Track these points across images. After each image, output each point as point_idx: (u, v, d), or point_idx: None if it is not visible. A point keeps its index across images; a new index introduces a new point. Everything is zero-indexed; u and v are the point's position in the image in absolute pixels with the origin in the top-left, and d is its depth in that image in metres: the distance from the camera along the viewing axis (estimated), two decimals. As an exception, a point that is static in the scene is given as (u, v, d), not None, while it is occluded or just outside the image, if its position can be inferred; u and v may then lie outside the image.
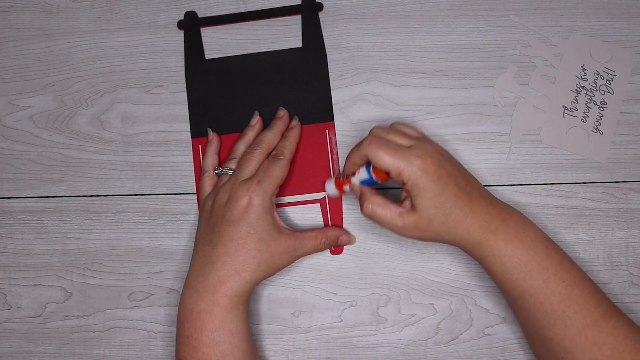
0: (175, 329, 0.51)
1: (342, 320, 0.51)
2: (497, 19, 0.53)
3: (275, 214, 0.47)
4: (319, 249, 0.48)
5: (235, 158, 0.49)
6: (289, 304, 0.51)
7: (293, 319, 0.51)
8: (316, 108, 0.52)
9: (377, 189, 0.46)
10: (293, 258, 0.46)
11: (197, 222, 0.51)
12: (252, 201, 0.45)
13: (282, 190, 0.51)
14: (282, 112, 0.51)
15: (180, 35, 0.53)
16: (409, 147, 0.43)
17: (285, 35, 0.53)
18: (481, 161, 0.52)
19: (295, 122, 0.51)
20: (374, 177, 0.44)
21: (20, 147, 0.53)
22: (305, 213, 0.52)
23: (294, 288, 0.52)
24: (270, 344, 0.51)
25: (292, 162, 0.50)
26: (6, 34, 0.54)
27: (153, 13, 0.54)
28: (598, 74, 0.52)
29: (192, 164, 0.52)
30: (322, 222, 0.52)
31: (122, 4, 0.54)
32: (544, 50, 0.52)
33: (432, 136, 0.52)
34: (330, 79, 0.53)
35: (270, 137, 0.49)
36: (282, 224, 0.47)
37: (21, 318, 0.52)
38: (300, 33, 0.53)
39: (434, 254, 0.51)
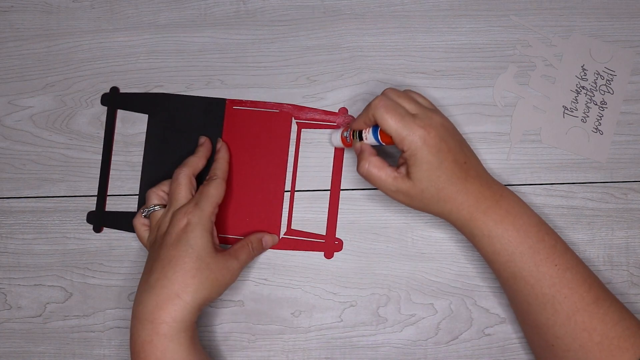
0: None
1: (342, 320, 0.51)
2: (497, 19, 0.53)
3: (215, 234, 0.46)
4: (252, 256, 0.48)
5: (155, 192, 0.48)
6: (289, 304, 0.51)
7: (293, 319, 0.51)
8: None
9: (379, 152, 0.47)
10: (233, 273, 0.46)
11: None
12: (190, 221, 0.44)
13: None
14: (202, 139, 0.51)
15: (179, 35, 0.53)
16: (415, 116, 0.42)
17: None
18: (481, 161, 0.52)
19: (220, 144, 0.51)
20: (379, 139, 0.44)
21: (20, 147, 0.53)
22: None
23: (294, 288, 0.52)
24: (270, 344, 0.51)
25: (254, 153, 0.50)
26: (6, 34, 0.54)
27: (153, 13, 0.54)
28: (598, 74, 0.52)
29: None
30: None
31: (122, 4, 0.54)
32: (544, 50, 0.52)
33: (432, 136, 0.52)
34: (329, 79, 0.53)
35: (194, 159, 0.49)
36: (218, 246, 0.47)
37: (21, 318, 0.52)
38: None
39: (434, 254, 0.51)
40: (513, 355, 0.50)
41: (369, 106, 0.44)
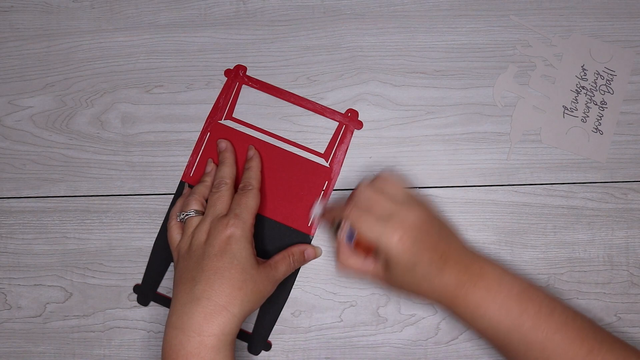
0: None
1: (342, 320, 0.51)
2: (497, 19, 0.53)
3: (254, 246, 0.46)
4: (291, 268, 0.49)
5: (196, 198, 0.48)
6: (289, 304, 0.51)
7: (293, 319, 0.51)
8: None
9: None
10: (274, 284, 0.46)
11: None
12: (233, 233, 0.44)
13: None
14: (224, 144, 0.51)
15: (179, 35, 0.53)
16: (389, 217, 0.43)
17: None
18: (481, 161, 0.52)
19: (252, 152, 0.51)
20: (352, 243, 0.46)
21: (20, 147, 0.53)
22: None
23: (294, 288, 0.52)
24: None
25: (283, 189, 0.51)
26: (6, 34, 0.54)
27: (153, 13, 0.54)
28: (598, 74, 0.52)
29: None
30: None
31: (122, 4, 0.54)
32: (544, 50, 0.52)
33: (432, 136, 0.52)
34: (329, 79, 0.53)
35: (229, 170, 0.49)
36: (256, 254, 0.47)
37: (21, 318, 0.52)
38: None
39: (434, 254, 0.51)
40: (513, 355, 0.50)
41: (342, 210, 0.45)
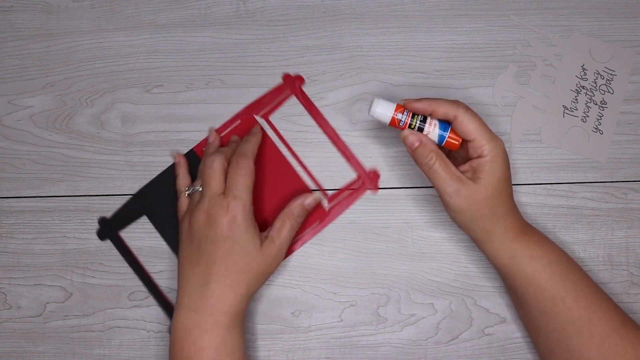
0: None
1: (342, 320, 0.51)
2: (497, 19, 0.53)
3: (255, 221, 0.46)
4: (295, 226, 0.48)
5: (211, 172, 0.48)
6: (289, 304, 0.52)
7: (293, 319, 0.51)
8: None
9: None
10: (280, 257, 0.47)
11: None
12: (235, 218, 0.44)
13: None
14: (257, 134, 0.51)
15: (179, 35, 0.53)
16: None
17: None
18: (481, 161, 0.52)
19: (257, 128, 0.51)
20: (446, 136, 0.43)
21: (20, 147, 0.53)
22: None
23: (294, 288, 0.52)
24: (270, 344, 0.51)
25: (278, 208, 0.50)
26: (6, 34, 0.54)
27: (153, 13, 0.54)
28: (598, 73, 0.52)
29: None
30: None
31: (122, 4, 0.54)
32: (544, 50, 0.52)
33: (432, 136, 0.52)
34: (329, 79, 0.53)
35: (227, 149, 0.49)
36: (259, 232, 0.46)
37: (21, 318, 0.52)
38: None
39: (434, 253, 0.51)
40: (513, 355, 0.50)
41: (453, 102, 0.43)
